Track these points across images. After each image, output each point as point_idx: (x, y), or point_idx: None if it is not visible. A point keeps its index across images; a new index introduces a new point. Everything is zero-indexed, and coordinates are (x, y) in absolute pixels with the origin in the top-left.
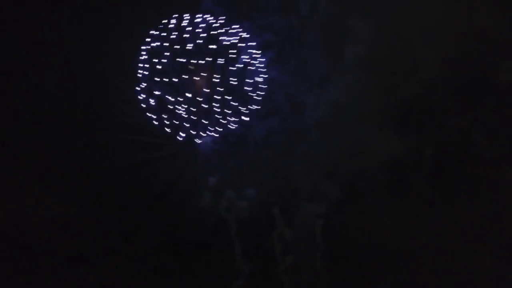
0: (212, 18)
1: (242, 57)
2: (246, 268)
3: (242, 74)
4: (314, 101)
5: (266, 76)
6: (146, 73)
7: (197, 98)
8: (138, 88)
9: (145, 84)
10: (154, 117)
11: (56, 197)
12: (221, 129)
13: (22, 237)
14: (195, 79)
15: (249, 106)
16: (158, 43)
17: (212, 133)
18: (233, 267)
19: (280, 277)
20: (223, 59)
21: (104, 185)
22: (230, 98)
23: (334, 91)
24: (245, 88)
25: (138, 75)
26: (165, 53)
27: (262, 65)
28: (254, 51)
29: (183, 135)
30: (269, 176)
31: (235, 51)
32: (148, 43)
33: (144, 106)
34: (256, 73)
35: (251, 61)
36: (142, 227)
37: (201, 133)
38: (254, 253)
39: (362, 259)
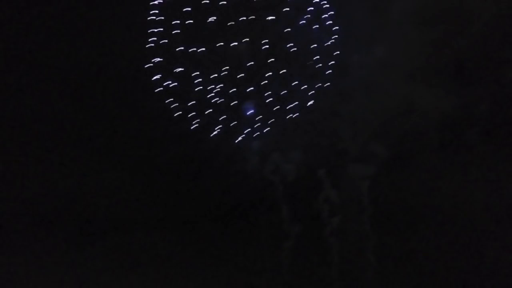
0: None
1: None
2: (294, 230)
3: (306, 36)
4: (360, 61)
5: (336, 37)
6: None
7: (236, 74)
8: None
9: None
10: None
11: (108, 167)
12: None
13: (76, 205)
14: (232, 46)
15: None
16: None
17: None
18: (280, 230)
19: (327, 239)
20: (274, 15)
21: (150, 155)
22: (287, 72)
23: (381, 48)
24: (310, 57)
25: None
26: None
27: (331, 22)
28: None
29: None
30: (315, 138)
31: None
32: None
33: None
34: (325, 33)
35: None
36: (189, 193)
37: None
38: (301, 216)
39: (411, 221)
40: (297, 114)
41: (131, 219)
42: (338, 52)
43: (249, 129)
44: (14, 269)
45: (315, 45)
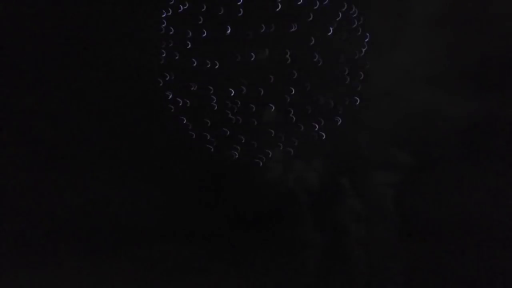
0: None
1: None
2: (317, 240)
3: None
4: (381, 66)
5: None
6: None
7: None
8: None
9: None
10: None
11: (128, 178)
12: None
13: (94, 217)
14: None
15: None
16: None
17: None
18: (303, 239)
19: (352, 249)
20: (295, 23)
21: (170, 166)
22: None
23: (403, 54)
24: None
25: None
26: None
27: (360, 31)
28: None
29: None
30: (337, 146)
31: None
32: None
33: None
34: (355, 43)
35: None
36: (211, 204)
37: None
38: (324, 225)
39: (438, 229)
40: (323, 135)
41: (150, 230)
42: (368, 65)
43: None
44: (30, 281)
45: (344, 58)
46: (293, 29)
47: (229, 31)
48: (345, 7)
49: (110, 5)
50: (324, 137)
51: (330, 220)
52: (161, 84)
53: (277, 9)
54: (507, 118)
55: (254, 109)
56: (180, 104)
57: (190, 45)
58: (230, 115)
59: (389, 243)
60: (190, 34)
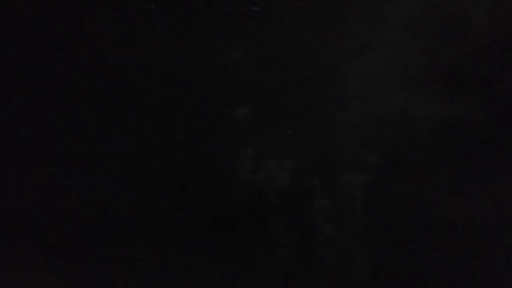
0: None
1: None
2: (286, 240)
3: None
4: (353, 69)
5: None
6: None
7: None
8: None
9: None
10: None
11: (91, 174)
12: None
13: (71, 215)
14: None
15: None
16: None
17: None
18: (273, 239)
19: (321, 249)
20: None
21: (136, 163)
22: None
23: (375, 56)
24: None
25: None
26: None
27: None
28: None
29: None
30: (308, 147)
31: None
32: None
33: None
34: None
35: None
36: (178, 204)
37: None
38: (295, 225)
39: (406, 229)
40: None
41: (119, 230)
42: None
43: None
44: (7, 281)
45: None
46: (267, 30)
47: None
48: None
49: None
50: (295, 137)
51: (300, 220)
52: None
53: (254, 8)
54: (476, 120)
55: (225, 108)
56: (150, 102)
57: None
58: (200, 113)
59: (357, 244)
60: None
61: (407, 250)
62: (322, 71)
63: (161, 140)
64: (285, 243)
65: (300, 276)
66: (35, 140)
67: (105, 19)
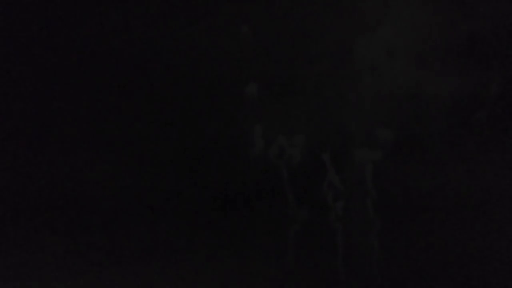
0: None
1: None
2: (298, 216)
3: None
4: (365, 44)
5: None
6: None
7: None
8: None
9: None
10: None
11: (106, 155)
12: None
13: (75, 193)
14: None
15: None
16: None
17: None
18: (284, 215)
19: (332, 224)
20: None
21: (149, 142)
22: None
23: (388, 30)
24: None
25: None
26: None
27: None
28: None
29: None
30: (319, 122)
31: None
32: None
33: None
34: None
35: None
36: (191, 181)
37: None
38: (306, 201)
39: (416, 206)
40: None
41: (127, 209)
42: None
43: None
44: (9, 259)
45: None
46: (277, 4)
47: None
48: None
49: None
50: (305, 113)
51: (311, 196)
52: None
53: None
54: (491, 94)
55: (234, 85)
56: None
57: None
58: (209, 90)
59: (368, 220)
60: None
61: (418, 227)
62: (333, 46)
63: (169, 117)
64: (297, 219)
65: (311, 251)
66: (41, 117)
67: None
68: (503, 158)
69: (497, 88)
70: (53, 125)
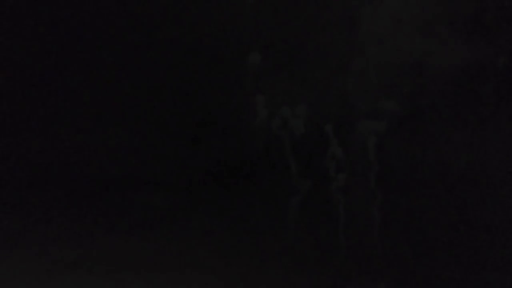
0: None
1: None
2: (300, 187)
3: None
4: (370, 13)
5: None
6: None
7: None
8: None
9: None
10: None
11: (107, 123)
12: None
13: (75, 162)
14: None
15: None
16: None
17: None
18: (287, 186)
19: (334, 196)
20: None
21: (151, 111)
22: None
23: (392, 0)
24: None
25: None
26: None
27: None
28: None
29: None
30: (323, 93)
31: None
32: None
33: None
34: None
35: None
36: (193, 151)
37: None
38: (308, 172)
39: (419, 179)
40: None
41: (131, 178)
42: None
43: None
44: (7, 229)
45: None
46: None
47: None
48: None
49: None
50: (309, 83)
51: (314, 168)
52: None
53: None
54: (499, 65)
55: (237, 54)
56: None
57: None
58: (211, 59)
59: (369, 193)
60: None
61: (419, 199)
62: (339, 15)
63: (171, 87)
64: (300, 190)
65: (313, 222)
66: (45, 87)
67: None
68: (509, 131)
69: (504, 59)
70: (55, 94)
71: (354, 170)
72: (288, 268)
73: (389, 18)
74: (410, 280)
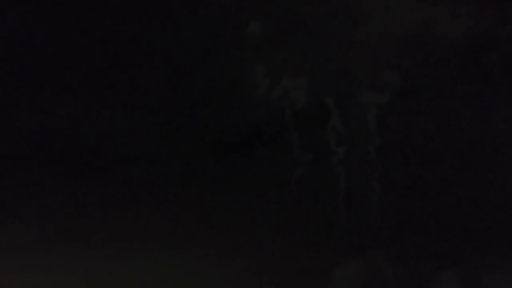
0: None
1: None
2: (301, 159)
3: None
4: None
5: None
6: None
7: None
8: None
9: None
10: None
11: (105, 98)
12: None
13: (73, 137)
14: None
15: None
16: None
17: None
18: (287, 159)
19: (334, 168)
20: None
21: (148, 85)
22: None
23: None
24: None
25: None
26: None
27: None
28: None
29: None
30: (324, 64)
31: None
32: None
33: None
34: None
35: None
36: (189, 124)
37: None
38: (309, 144)
39: (421, 154)
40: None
41: (126, 152)
42: None
43: None
44: (9, 202)
45: None
46: None
47: None
48: None
49: None
50: (309, 54)
51: (314, 140)
52: None
53: None
54: (506, 35)
55: (236, 22)
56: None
57: None
58: (209, 28)
59: (369, 165)
60: None
61: (420, 173)
62: None
63: (167, 57)
64: (300, 163)
65: (313, 196)
66: (43, 63)
67: None
68: None
69: (510, 29)
70: (49, 69)
71: (355, 143)
72: (287, 242)
73: None
74: (410, 253)
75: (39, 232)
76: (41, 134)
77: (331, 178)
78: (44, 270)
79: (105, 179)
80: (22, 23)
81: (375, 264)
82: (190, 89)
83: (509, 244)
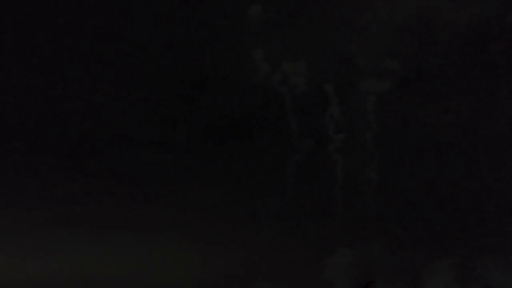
0: None
1: None
2: (302, 145)
3: None
4: None
5: None
6: None
7: None
8: None
9: None
10: None
11: (105, 82)
12: None
13: (75, 120)
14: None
15: None
16: None
17: None
18: (286, 144)
19: (332, 156)
20: None
21: (147, 68)
22: None
23: None
24: None
25: None
26: None
27: None
28: None
29: None
30: (324, 50)
31: None
32: None
33: None
34: None
35: None
36: (190, 108)
37: None
38: (307, 131)
39: (421, 139)
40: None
41: (129, 137)
42: None
43: None
44: (10, 184)
45: None
46: None
47: None
48: None
49: None
50: (310, 39)
51: (313, 126)
52: None
53: None
54: (508, 23)
55: (237, 6)
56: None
57: None
58: (212, 11)
59: (367, 153)
60: None
61: (418, 162)
62: None
63: (170, 42)
64: (301, 148)
65: (311, 182)
66: (43, 49)
67: None
68: None
69: None
70: (51, 51)
71: (353, 130)
72: (285, 227)
73: None
74: (405, 240)
75: (39, 215)
76: (44, 120)
77: (328, 166)
78: (38, 254)
79: (106, 164)
80: (23, 15)
81: (370, 252)
82: (190, 74)
83: (503, 235)
